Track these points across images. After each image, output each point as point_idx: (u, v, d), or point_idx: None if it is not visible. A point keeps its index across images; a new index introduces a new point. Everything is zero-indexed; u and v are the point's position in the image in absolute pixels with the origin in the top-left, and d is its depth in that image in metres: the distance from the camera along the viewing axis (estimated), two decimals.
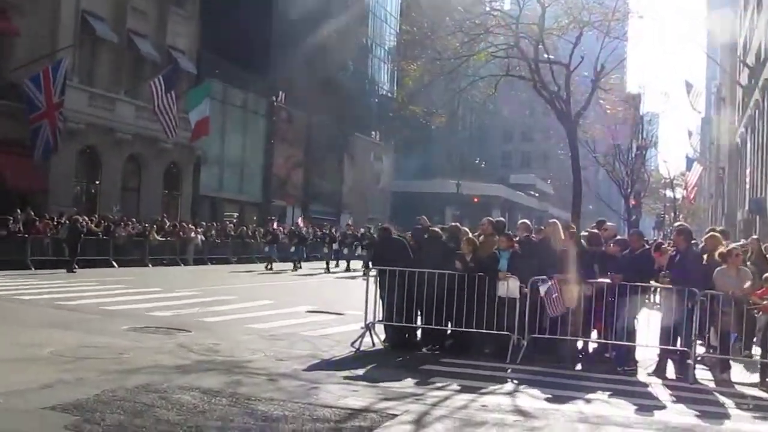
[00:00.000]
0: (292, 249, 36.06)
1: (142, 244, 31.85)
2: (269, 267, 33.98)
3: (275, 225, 41.45)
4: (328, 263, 36.04)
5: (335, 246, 36.56)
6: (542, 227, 14.28)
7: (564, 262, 11.82)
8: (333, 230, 40.32)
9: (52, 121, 31.70)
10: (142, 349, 11.04)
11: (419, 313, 12.64)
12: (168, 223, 35.47)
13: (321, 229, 43.75)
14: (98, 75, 38.30)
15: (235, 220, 47.78)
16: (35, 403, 7.47)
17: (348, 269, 35.61)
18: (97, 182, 38.92)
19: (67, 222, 28.03)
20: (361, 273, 29.91)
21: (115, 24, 38.77)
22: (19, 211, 28.51)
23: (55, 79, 31.43)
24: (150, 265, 30.66)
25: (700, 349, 11.46)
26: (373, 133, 75.50)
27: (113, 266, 28.72)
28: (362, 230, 39.46)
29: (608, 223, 15.30)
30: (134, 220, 34.43)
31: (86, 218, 29.55)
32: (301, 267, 35.18)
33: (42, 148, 31.95)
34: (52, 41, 34.43)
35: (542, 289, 11.46)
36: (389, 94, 74.67)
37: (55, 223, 28.73)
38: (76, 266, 26.20)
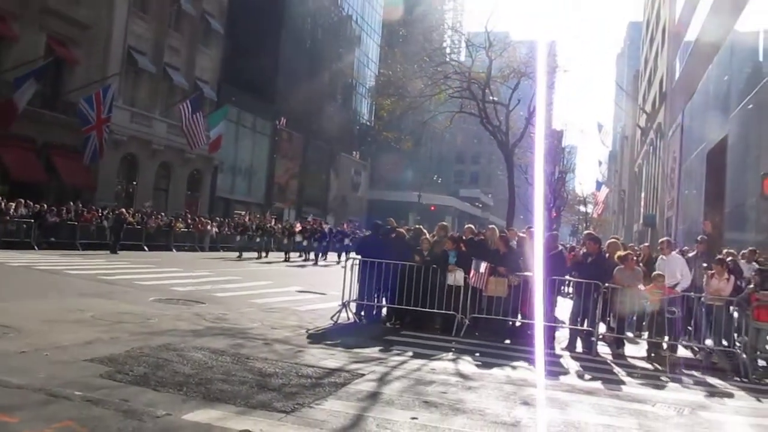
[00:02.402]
0: (305, 243, 33.11)
1: (168, 233, 31.51)
2: (261, 255, 31.68)
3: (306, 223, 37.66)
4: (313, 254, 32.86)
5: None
6: (482, 231, 14.30)
7: (497, 257, 11.94)
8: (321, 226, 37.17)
9: (100, 133, 31.43)
10: (165, 316, 10.93)
11: (385, 294, 12.68)
12: (189, 217, 35.16)
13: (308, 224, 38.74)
14: (139, 98, 38.02)
15: (248, 216, 46.59)
16: (77, 356, 7.36)
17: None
18: (135, 183, 38.59)
19: (113, 213, 27.73)
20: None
21: (154, 58, 38.50)
22: (71, 203, 28.18)
23: (104, 99, 31.16)
24: (174, 250, 30.37)
25: (602, 330, 11.55)
26: (355, 153, 75.49)
27: (145, 250, 28.41)
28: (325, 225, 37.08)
29: (532, 229, 15.36)
30: (163, 213, 34.11)
31: (125, 211, 29.26)
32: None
33: (91, 154, 31.63)
34: (103, 69, 34.14)
35: (479, 266, 11.60)
36: (368, 123, 74.71)
37: (100, 214, 28.37)
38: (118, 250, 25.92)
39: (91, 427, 5.04)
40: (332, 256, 33.42)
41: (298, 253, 32.99)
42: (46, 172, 30.88)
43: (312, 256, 32.33)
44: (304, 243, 32.82)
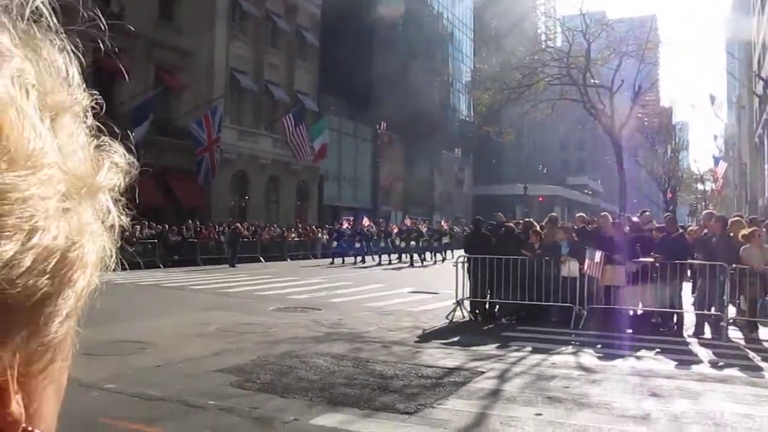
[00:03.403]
0: (357, 245, 32.04)
1: (281, 243, 32.52)
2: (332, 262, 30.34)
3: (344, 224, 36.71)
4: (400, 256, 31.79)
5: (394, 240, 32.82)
6: (595, 219, 13.91)
7: (611, 245, 11.57)
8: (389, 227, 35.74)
9: (212, 154, 32.91)
10: (285, 324, 11.29)
11: (498, 290, 12.56)
12: (300, 227, 36.10)
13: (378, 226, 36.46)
14: (244, 116, 39.45)
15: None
16: (207, 367, 7.74)
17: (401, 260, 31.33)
18: (247, 197, 40.02)
19: (229, 228, 28.93)
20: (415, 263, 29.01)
21: (255, 76, 39.88)
22: (189, 221, 29.60)
23: (213, 121, 32.60)
24: (288, 260, 31.28)
25: (732, 313, 10.97)
26: (456, 149, 75.20)
27: (261, 261, 29.42)
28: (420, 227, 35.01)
29: (646, 212, 14.86)
30: (275, 225, 35.22)
31: (240, 225, 30.46)
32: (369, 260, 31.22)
33: (204, 174, 33.17)
34: (208, 92, 35.64)
35: (593, 255, 11.30)
36: (467, 119, 74.20)
37: (217, 230, 29.65)
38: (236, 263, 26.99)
39: None
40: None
41: (396, 256, 32.14)
42: (163, 195, 32.58)
43: (407, 258, 30.96)
44: (401, 245, 32.09)
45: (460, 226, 42.71)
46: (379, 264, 29.81)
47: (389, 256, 31.63)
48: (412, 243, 31.72)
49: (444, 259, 31.90)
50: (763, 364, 8.66)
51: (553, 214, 14.69)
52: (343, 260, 30.35)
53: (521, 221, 15.01)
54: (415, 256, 30.63)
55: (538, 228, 13.00)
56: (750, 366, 8.56)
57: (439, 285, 16.88)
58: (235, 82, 38.05)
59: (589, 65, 27.31)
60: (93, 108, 0.48)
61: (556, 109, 31.85)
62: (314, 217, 44.72)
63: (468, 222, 47.29)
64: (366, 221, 34.33)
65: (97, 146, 0.48)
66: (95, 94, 0.49)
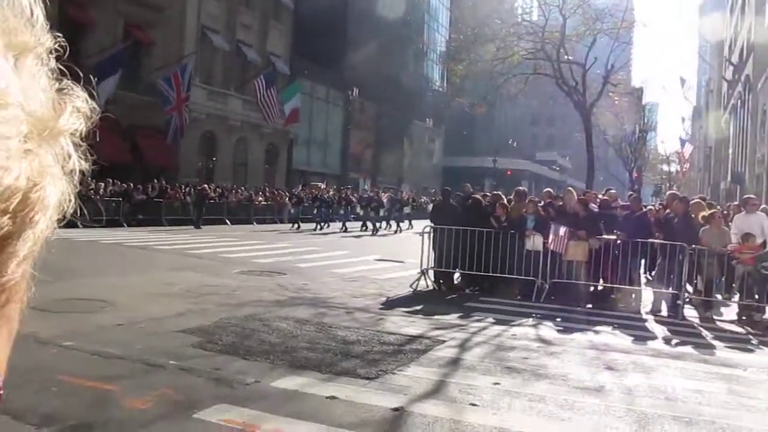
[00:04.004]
0: (315, 211, 30.97)
1: (248, 207, 32.32)
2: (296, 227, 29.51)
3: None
4: (366, 224, 30.78)
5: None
6: (561, 195, 14.06)
7: (576, 221, 11.71)
8: (351, 194, 35.21)
9: (180, 113, 32.40)
10: (249, 287, 11.28)
11: (463, 261, 12.66)
12: (268, 191, 35.88)
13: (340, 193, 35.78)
14: (214, 76, 38.85)
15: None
16: (169, 327, 7.72)
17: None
18: (214, 159, 39.59)
19: (195, 189, 28.61)
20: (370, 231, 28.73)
21: (227, 35, 39.18)
22: (155, 180, 29.21)
23: (182, 79, 32.03)
24: (255, 224, 31.13)
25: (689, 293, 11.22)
26: (428, 120, 75.07)
27: (227, 224, 29.23)
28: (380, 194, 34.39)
29: (612, 191, 15.09)
30: (243, 188, 34.95)
31: (207, 186, 30.16)
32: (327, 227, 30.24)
33: (173, 133, 32.68)
34: (179, 50, 34.96)
35: (558, 230, 11.43)
36: (440, 89, 73.98)
37: (183, 191, 29.32)
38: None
39: (187, 394, 5.31)
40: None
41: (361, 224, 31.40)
42: (130, 152, 32.04)
43: (370, 225, 30.66)
44: (361, 213, 31.72)
45: (428, 197, 42.71)
46: (345, 231, 29.44)
47: (345, 224, 30.78)
48: (371, 213, 31.21)
49: (400, 230, 31.91)
50: (715, 342, 8.92)
51: (521, 188, 14.77)
52: (299, 225, 29.53)
53: (488, 194, 15.11)
54: (369, 225, 30.30)
55: (505, 201, 13.10)
56: (703, 344, 8.80)
57: (405, 254, 16.97)
58: (207, 41, 37.35)
59: (564, 41, 27.36)
60: (56, 51, 0.48)
61: (529, 84, 31.93)
62: (282, 182, 44.48)
63: (437, 193, 47.50)
64: (323, 186, 33.50)
65: (60, 90, 0.47)
66: (59, 36, 0.49)
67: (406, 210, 34.32)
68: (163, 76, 32.26)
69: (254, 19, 41.91)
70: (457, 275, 12.98)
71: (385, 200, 32.67)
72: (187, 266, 13.73)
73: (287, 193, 36.37)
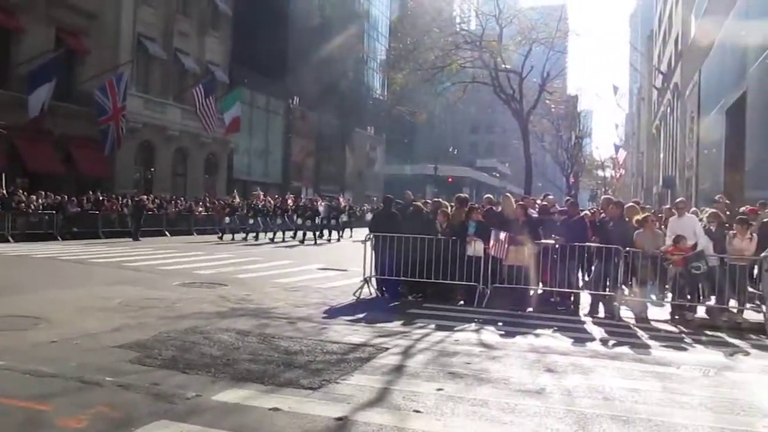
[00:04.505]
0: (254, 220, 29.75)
1: (188, 217, 31.78)
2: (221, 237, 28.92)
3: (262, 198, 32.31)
4: (306, 233, 29.59)
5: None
6: (500, 200, 14.26)
7: (516, 226, 11.90)
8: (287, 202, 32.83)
9: (117, 123, 31.68)
10: (190, 299, 11.07)
11: (405, 269, 12.68)
12: (208, 201, 35.35)
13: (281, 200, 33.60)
14: (151, 84, 38.15)
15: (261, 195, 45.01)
16: (106, 343, 7.50)
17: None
18: (152, 169, 38.85)
19: (133, 201, 27.97)
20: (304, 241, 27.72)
21: (164, 44, 38.56)
22: (90, 192, 28.47)
23: (118, 88, 31.33)
24: (195, 234, 30.61)
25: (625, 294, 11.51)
26: (369, 127, 75.32)
27: (166, 235, 28.68)
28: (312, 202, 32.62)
29: (549, 196, 15.37)
30: (182, 198, 34.35)
31: (145, 197, 29.54)
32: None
33: (110, 144, 31.93)
34: (114, 58, 34.23)
35: (498, 236, 11.57)
36: (381, 97, 74.37)
37: (120, 202, 28.64)
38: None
39: (124, 411, 5.16)
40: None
41: (292, 233, 30.40)
42: (63, 163, 31.13)
43: (310, 235, 29.60)
44: (298, 221, 30.19)
45: (371, 204, 42.72)
46: (272, 241, 28.40)
47: (283, 233, 30.03)
48: (307, 222, 29.99)
49: (340, 238, 31.72)
50: (650, 342, 9.16)
51: (462, 194, 14.92)
52: (233, 237, 28.93)
53: (429, 201, 15.21)
54: (309, 234, 29.42)
55: (446, 208, 13.21)
56: (638, 344, 9.03)
57: (349, 262, 16.92)
58: (143, 49, 36.67)
59: (501, 50, 27.87)
60: None
61: (468, 92, 32.43)
62: (223, 191, 43.93)
63: (379, 200, 47.60)
64: (261, 196, 32.41)
65: None
66: None
67: (343, 218, 34.06)
68: (98, 85, 31.47)
69: (192, 27, 41.37)
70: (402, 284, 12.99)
71: (321, 208, 31.65)
72: (124, 279, 13.39)
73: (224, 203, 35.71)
